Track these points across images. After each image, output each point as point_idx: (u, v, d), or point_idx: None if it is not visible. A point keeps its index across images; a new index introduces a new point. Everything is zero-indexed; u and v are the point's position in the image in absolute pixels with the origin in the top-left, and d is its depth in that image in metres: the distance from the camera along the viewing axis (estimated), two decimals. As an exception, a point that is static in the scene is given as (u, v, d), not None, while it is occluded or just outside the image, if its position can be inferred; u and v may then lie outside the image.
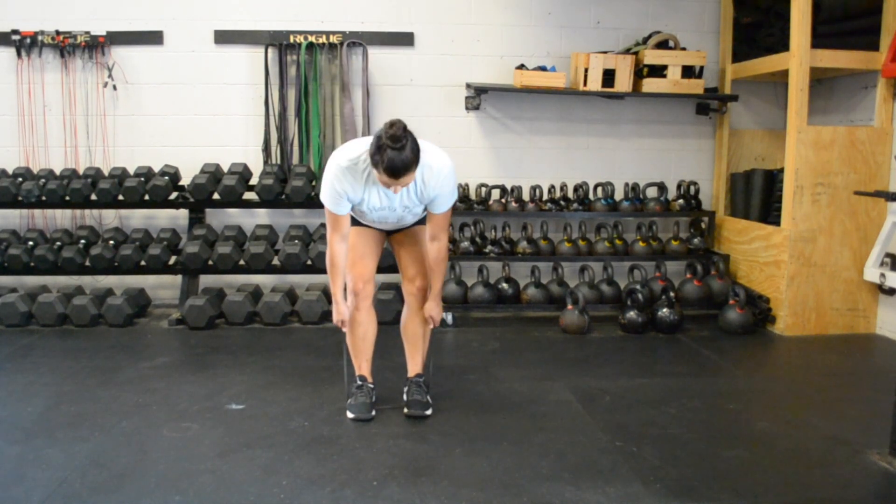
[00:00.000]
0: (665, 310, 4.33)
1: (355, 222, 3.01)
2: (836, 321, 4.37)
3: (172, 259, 4.67)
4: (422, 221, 3.03)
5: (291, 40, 4.81)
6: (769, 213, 4.61)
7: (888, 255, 4.13)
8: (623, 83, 4.71)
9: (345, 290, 2.97)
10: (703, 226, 4.95)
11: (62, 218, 4.92)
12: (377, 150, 2.53)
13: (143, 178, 4.62)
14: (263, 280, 4.86)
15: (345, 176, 2.72)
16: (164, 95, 4.86)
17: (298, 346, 4.05)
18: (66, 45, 4.72)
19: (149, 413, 3.06)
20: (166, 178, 4.63)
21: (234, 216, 4.97)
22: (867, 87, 4.46)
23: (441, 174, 2.76)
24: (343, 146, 2.84)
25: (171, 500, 2.35)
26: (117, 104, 4.85)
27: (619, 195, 4.94)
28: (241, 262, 4.57)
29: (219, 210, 4.91)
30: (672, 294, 4.39)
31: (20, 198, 4.55)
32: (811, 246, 4.30)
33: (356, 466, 2.58)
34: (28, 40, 4.70)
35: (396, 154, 2.50)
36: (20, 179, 4.61)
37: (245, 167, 4.75)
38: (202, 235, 4.64)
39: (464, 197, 4.84)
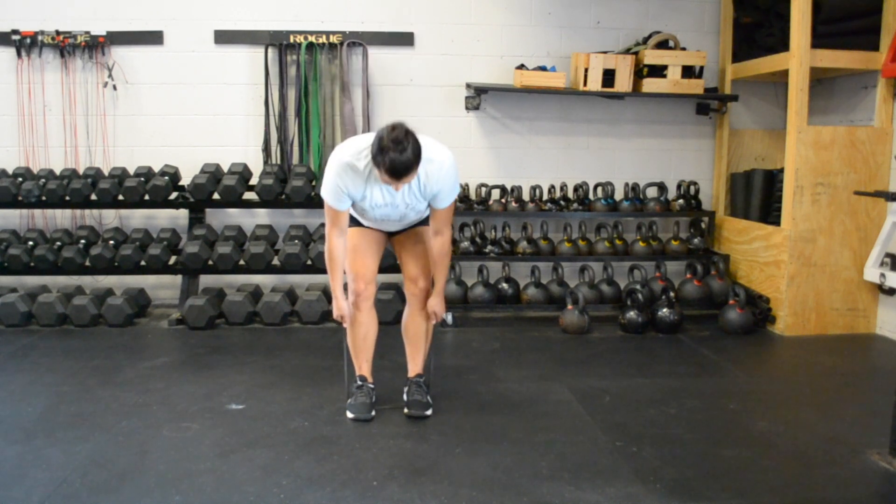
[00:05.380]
0: (665, 310, 4.33)
1: (357, 223, 3.01)
2: (836, 321, 4.37)
3: (172, 259, 4.67)
4: (424, 221, 3.03)
5: (291, 40, 4.81)
6: (769, 213, 4.61)
7: (888, 255, 4.13)
8: (623, 83, 4.71)
9: (345, 287, 2.98)
10: (703, 226, 4.95)
11: (62, 218, 4.92)
12: (379, 152, 2.54)
13: (143, 178, 4.62)
14: (263, 280, 4.86)
15: (346, 172, 2.73)
16: (164, 95, 4.86)
17: (298, 346, 4.05)
18: (66, 45, 4.72)
19: (149, 413, 3.06)
20: (166, 178, 4.63)
21: (234, 216, 4.97)
22: (867, 87, 4.46)
23: (443, 169, 2.76)
24: (345, 142, 2.84)
25: (171, 500, 2.35)
26: (117, 104, 4.85)
27: (619, 195, 4.94)
28: (241, 262, 4.57)
29: (219, 210, 4.91)
30: (672, 294, 4.39)
31: (20, 198, 4.55)
32: (811, 246, 4.30)
33: (356, 466, 2.58)
34: (28, 40, 4.70)
35: (398, 156, 2.51)
36: (20, 179, 4.61)
37: (245, 167, 4.75)
38: (202, 235, 4.64)
39: (464, 197, 4.84)
